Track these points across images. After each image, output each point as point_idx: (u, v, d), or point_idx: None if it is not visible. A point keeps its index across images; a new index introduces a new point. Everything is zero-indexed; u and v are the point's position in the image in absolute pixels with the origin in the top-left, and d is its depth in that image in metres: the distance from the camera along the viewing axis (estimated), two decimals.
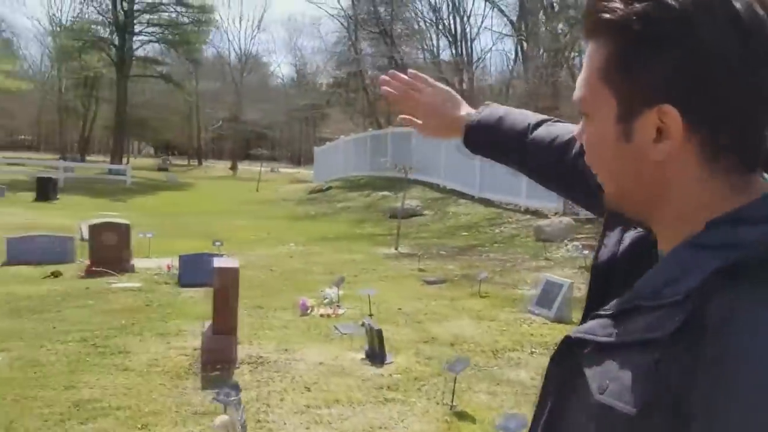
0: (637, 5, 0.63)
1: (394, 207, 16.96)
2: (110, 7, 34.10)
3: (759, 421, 0.53)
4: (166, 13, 35.27)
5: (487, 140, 1.18)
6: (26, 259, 9.38)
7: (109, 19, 34.85)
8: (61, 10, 71.05)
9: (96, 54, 37.00)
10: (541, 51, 21.08)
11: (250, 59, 59.88)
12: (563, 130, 1.09)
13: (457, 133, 1.21)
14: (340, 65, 31.55)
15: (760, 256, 0.59)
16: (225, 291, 5.12)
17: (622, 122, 0.67)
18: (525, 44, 25.82)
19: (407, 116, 1.25)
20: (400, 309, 7.10)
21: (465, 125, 1.19)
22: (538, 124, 1.12)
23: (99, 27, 36.09)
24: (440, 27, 28.76)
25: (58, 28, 43.03)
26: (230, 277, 5.17)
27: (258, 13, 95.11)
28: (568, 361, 0.69)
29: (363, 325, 5.88)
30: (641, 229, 0.76)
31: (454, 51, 28.54)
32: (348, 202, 20.23)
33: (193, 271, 8.25)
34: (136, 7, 34.35)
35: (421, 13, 28.57)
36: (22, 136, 70.26)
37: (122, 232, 9.00)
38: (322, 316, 6.65)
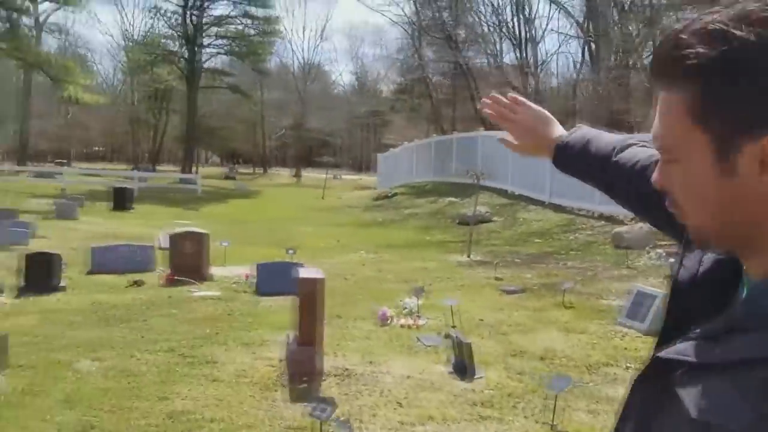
0: (719, 45, 0.64)
1: (462, 213, 16.74)
2: (180, 21, 35.17)
3: None
4: (233, 26, 36.11)
5: (575, 161, 1.23)
6: (109, 268, 9.65)
7: (178, 33, 35.94)
8: (133, 26, 73.93)
9: (166, 67, 38.25)
10: (612, 52, 20.45)
11: (312, 68, 60.66)
12: (646, 153, 1.10)
13: (548, 152, 1.27)
14: (404, 72, 31.54)
15: None
16: (310, 302, 5.07)
17: (722, 160, 0.68)
18: (593, 46, 25.15)
19: (503, 137, 1.35)
20: (481, 320, 6.91)
21: (555, 146, 1.25)
22: (624, 147, 1.15)
23: (169, 41, 37.37)
24: (504, 30, 28.41)
25: (131, 43, 44.78)
26: (315, 287, 5.11)
27: (321, 23, 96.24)
28: (657, 380, 0.70)
29: (448, 337, 5.75)
30: (722, 254, 0.78)
31: (518, 54, 28.13)
32: (415, 209, 20.11)
33: (272, 279, 8.29)
34: (204, 20, 35.31)
35: (485, 17, 28.27)
36: (96, 148, 73.41)
37: (201, 241, 9.14)
38: (402, 326, 6.53)
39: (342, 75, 79.56)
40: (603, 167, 1.16)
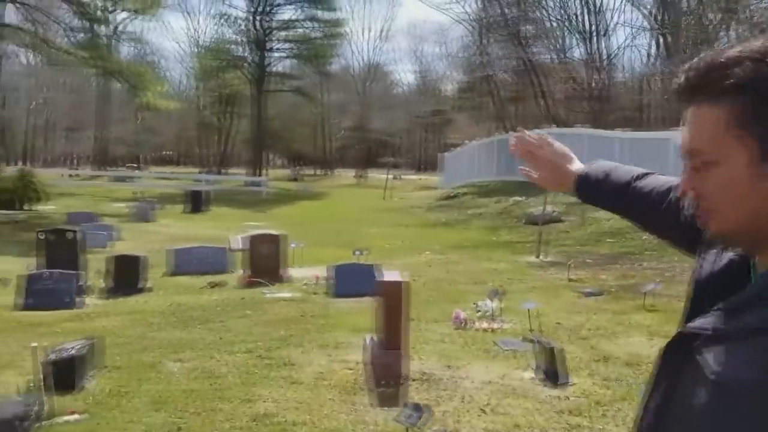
0: (757, 68, 0.80)
1: (530, 213, 16.40)
2: (247, 27, 35.94)
3: None
4: (299, 30, 36.58)
5: (596, 189, 1.37)
6: (187, 270, 9.92)
7: (246, 39, 36.73)
8: (201, 32, 76.20)
9: (234, 72, 39.16)
10: (689, 44, 19.62)
11: (374, 69, 60.90)
12: (664, 180, 1.28)
13: (568, 184, 1.41)
14: (467, 70, 31.24)
15: None
16: (394, 305, 5.01)
17: (761, 164, 0.80)
18: (667, 38, 24.22)
19: (526, 169, 1.48)
20: (558, 323, 6.72)
21: (576, 177, 1.39)
22: (644, 175, 1.32)
23: (236, 46, 38.22)
24: (570, 25, 27.72)
25: (199, 50, 46.09)
26: (398, 290, 5.06)
27: (383, 24, 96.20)
28: (680, 351, 0.83)
29: (529, 341, 5.60)
30: (737, 253, 0.91)
31: (585, 49, 27.39)
32: (480, 209, 19.86)
33: (345, 281, 8.32)
34: (272, 25, 35.93)
35: (551, 12, 27.66)
36: (165, 152, 75.99)
37: (277, 242, 9.26)
38: (478, 330, 6.41)
39: (403, 75, 79.29)
40: (623, 192, 1.31)
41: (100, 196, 26.16)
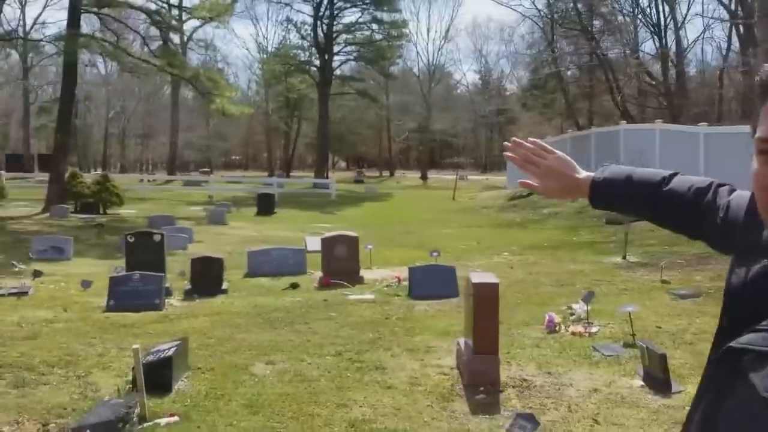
0: None
1: (608, 212, 15.84)
2: (310, 32, 36.34)
3: None
4: (362, 32, 36.71)
5: (617, 194, 1.33)
6: (264, 271, 9.95)
7: (310, 43, 37.10)
8: (267, 38, 77.97)
9: (300, 76, 39.63)
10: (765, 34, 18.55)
11: (437, 69, 60.58)
12: (697, 180, 1.27)
13: (577, 192, 1.38)
14: (535, 67, 30.58)
15: None
16: (488, 308, 4.81)
17: None
18: (742, 29, 22.97)
19: (525, 181, 1.46)
20: (659, 327, 6.35)
21: (591, 183, 1.35)
22: (673, 176, 1.30)
23: (300, 51, 38.68)
24: (642, 18, 26.72)
25: (265, 55, 46.94)
26: (493, 292, 4.84)
27: (445, 24, 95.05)
28: (729, 365, 0.83)
29: (635, 345, 5.29)
30: (765, 264, 0.91)
31: (657, 43, 26.34)
32: (554, 208, 19.32)
33: (425, 283, 8.15)
34: (335, 28, 36.21)
35: (621, 5, 26.75)
36: (234, 157, 77.87)
37: (352, 244, 9.18)
38: (573, 334, 6.11)
39: (466, 75, 78.52)
40: (651, 195, 1.29)
41: (174, 200, 26.87)
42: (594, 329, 6.19)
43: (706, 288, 8.15)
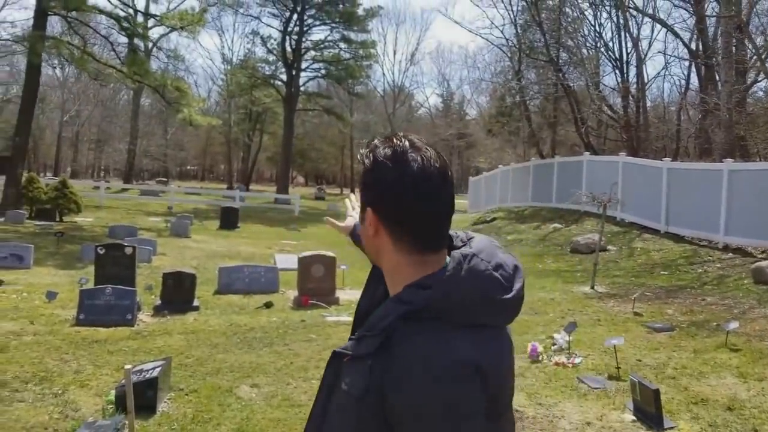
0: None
1: (572, 240, 16.13)
2: (276, 46, 36.14)
3: (419, 383, 0.98)
4: (330, 50, 36.73)
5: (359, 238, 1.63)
6: (236, 288, 9.73)
7: (277, 57, 36.90)
8: (233, 50, 77.40)
9: (266, 89, 39.33)
10: (732, 73, 19.29)
11: (401, 91, 61.11)
12: None
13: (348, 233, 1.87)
14: (501, 95, 31.11)
15: (418, 309, 1.04)
16: None
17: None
18: (704, 68, 23.88)
19: (331, 219, 1.99)
20: (639, 360, 6.43)
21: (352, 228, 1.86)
22: None
23: (266, 65, 38.41)
24: (604, 52, 27.55)
25: (230, 66, 46.48)
26: None
27: (411, 47, 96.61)
28: (334, 367, 1.15)
29: (619, 379, 5.33)
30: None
31: (619, 77, 27.14)
32: (518, 234, 19.54)
33: None
34: (303, 45, 36.12)
35: (587, 39, 27.53)
36: (189, 167, 76.54)
37: (329, 264, 9.06)
38: (557, 364, 6.14)
39: (429, 98, 79.41)
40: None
41: (132, 209, 26.18)
42: (577, 360, 6.23)
43: (679, 322, 8.32)
